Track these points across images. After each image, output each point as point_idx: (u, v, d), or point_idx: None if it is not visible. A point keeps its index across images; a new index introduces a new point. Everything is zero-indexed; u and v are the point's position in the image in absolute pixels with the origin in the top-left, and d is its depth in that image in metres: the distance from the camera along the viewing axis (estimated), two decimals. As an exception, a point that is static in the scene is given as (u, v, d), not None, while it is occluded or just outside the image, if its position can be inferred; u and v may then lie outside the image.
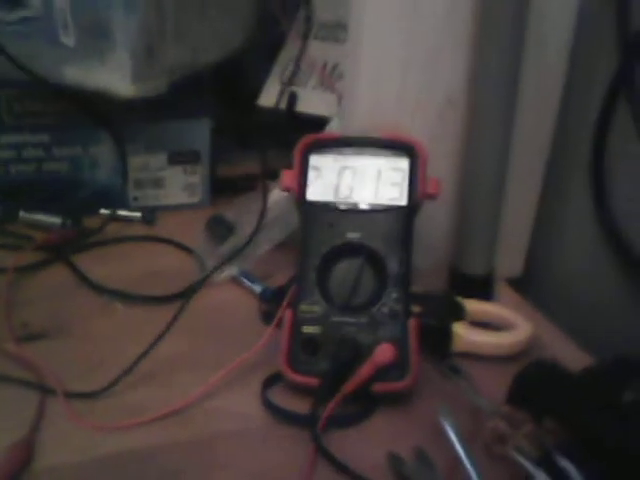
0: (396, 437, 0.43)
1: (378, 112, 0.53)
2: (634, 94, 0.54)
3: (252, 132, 0.72)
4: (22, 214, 0.66)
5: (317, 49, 0.74)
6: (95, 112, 0.66)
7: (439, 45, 0.52)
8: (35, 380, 0.46)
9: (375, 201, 0.48)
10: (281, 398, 0.45)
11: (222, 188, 0.74)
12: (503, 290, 0.60)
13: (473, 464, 0.38)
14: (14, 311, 0.52)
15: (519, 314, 0.52)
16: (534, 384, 0.44)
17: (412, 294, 0.47)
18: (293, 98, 0.73)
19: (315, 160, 0.49)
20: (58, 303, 0.55)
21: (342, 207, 0.48)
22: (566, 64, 0.55)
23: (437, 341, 0.49)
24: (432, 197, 0.48)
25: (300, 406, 0.44)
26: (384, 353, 0.43)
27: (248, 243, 0.59)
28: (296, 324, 0.46)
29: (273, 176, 0.56)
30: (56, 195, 0.68)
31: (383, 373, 0.43)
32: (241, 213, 0.63)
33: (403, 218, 0.48)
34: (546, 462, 0.38)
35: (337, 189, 0.49)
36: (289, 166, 0.49)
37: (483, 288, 0.57)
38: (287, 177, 0.49)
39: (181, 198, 0.73)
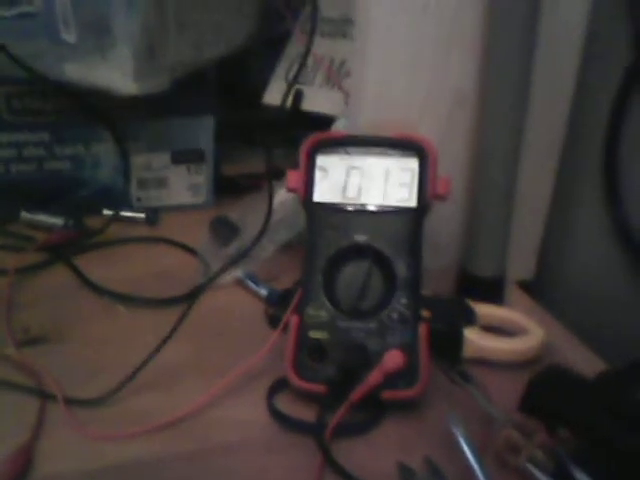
0: (405, 446, 0.42)
1: (386, 110, 0.52)
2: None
3: (257, 131, 0.71)
4: (23, 214, 0.66)
5: (323, 45, 0.73)
6: (97, 110, 0.65)
7: (449, 41, 0.51)
8: (35, 386, 0.45)
9: (383, 202, 0.47)
10: (287, 405, 0.44)
11: (227, 188, 0.73)
12: (514, 293, 0.59)
13: (485, 475, 0.37)
14: (14, 313, 0.51)
15: (531, 318, 0.51)
16: (547, 391, 0.43)
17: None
18: (299, 96, 0.72)
19: (321, 160, 0.48)
20: (59, 305, 0.54)
21: (349, 208, 0.47)
22: (578, 61, 0.54)
23: (447, 347, 0.48)
24: (442, 198, 0.47)
25: (306, 414, 0.43)
26: (393, 359, 0.42)
27: (253, 245, 0.58)
28: (302, 329, 0.45)
29: (279, 176, 0.55)
30: (57, 195, 0.67)
31: (392, 380, 0.42)
32: (246, 214, 0.62)
33: (412, 220, 0.47)
34: (561, 474, 0.37)
35: (344, 190, 0.48)
36: (295, 166, 0.48)
37: (494, 291, 0.56)
38: (293, 177, 0.48)
39: (185, 198, 0.72)
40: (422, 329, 0.44)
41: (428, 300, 0.48)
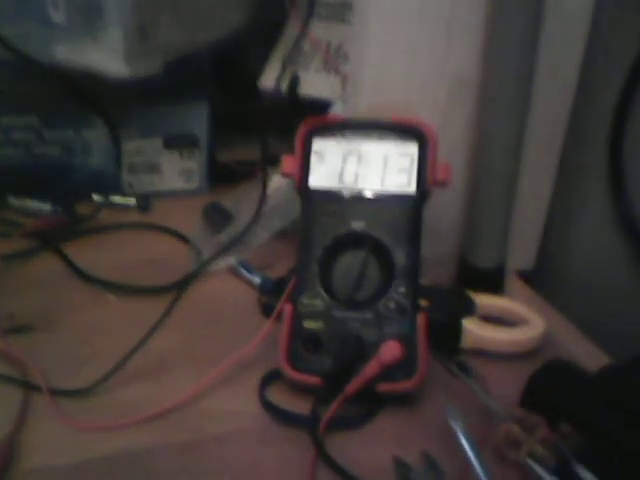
0: (402, 440, 0.41)
1: (385, 94, 0.51)
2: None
3: (253, 116, 0.70)
4: (11, 199, 0.64)
5: (320, 29, 0.71)
6: (87, 94, 0.64)
7: (449, 26, 0.49)
8: (19, 376, 0.43)
9: (381, 188, 0.46)
10: (280, 397, 0.43)
11: (222, 175, 0.71)
12: (514, 283, 0.58)
13: (484, 470, 0.36)
14: None
15: (531, 309, 0.50)
16: (549, 386, 0.42)
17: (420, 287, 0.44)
18: (295, 80, 0.71)
19: (318, 145, 0.47)
20: (46, 293, 0.53)
21: (346, 195, 0.46)
22: (584, 46, 0.53)
23: (446, 337, 0.47)
24: (442, 184, 0.46)
25: (300, 406, 0.42)
26: (390, 351, 0.41)
27: (246, 232, 0.57)
28: (296, 319, 0.44)
29: (274, 162, 0.54)
30: (47, 180, 0.65)
31: (389, 372, 0.41)
32: (240, 200, 0.61)
33: (411, 207, 0.45)
34: (562, 470, 0.36)
35: (341, 175, 0.46)
36: (291, 151, 0.47)
37: (493, 281, 0.55)
38: (288, 162, 0.47)
39: (177, 184, 0.70)
40: (420, 319, 0.43)
41: (426, 289, 0.47)
